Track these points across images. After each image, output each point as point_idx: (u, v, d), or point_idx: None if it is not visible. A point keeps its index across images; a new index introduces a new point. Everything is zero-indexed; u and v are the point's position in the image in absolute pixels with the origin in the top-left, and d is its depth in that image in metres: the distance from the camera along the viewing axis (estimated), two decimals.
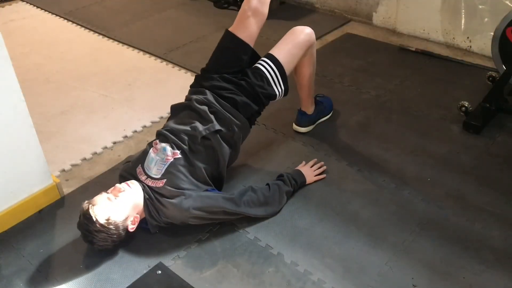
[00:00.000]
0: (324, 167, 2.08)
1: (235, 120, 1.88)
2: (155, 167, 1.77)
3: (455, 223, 1.84)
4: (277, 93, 1.98)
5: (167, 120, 1.97)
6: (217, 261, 1.71)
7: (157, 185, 1.73)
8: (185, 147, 1.78)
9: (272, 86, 1.96)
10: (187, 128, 1.82)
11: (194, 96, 1.91)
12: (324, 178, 2.04)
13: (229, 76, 1.93)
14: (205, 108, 1.86)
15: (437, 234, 1.79)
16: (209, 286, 1.63)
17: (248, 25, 1.96)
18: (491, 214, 1.87)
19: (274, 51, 2.00)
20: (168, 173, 1.74)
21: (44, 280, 1.67)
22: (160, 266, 1.70)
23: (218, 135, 1.83)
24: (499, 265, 1.67)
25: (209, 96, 1.89)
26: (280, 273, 1.66)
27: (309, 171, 2.03)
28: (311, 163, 2.08)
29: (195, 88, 1.97)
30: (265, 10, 1.99)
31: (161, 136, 1.85)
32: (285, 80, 1.99)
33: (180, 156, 1.77)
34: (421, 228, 1.82)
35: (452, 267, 1.67)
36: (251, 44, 1.98)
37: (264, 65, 1.96)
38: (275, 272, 1.67)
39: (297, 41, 2.02)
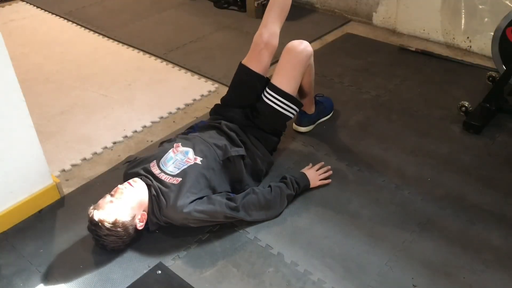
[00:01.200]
0: (330, 172, 2.05)
1: (259, 154, 1.98)
2: (172, 165, 1.79)
3: (455, 223, 1.84)
4: (291, 115, 2.05)
5: (189, 133, 2.04)
6: (217, 261, 1.71)
7: (170, 181, 1.74)
8: (209, 156, 1.82)
9: (285, 114, 2.02)
10: (218, 142, 1.88)
11: (223, 122, 2.00)
12: (329, 183, 2.01)
13: (248, 112, 2.03)
14: (234, 135, 1.95)
15: (437, 234, 1.79)
16: (209, 286, 1.63)
17: (261, 58, 2.04)
18: (491, 214, 1.87)
19: (277, 80, 2.01)
20: (185, 173, 1.75)
21: (44, 280, 1.67)
22: (160, 266, 1.70)
23: (242, 161, 1.89)
24: (499, 265, 1.67)
25: (237, 127, 1.99)
26: (280, 273, 1.66)
27: (314, 175, 2.01)
28: (317, 166, 2.06)
29: (218, 115, 2.08)
30: (276, 41, 2.06)
31: (184, 141, 1.89)
32: (295, 101, 2.02)
33: (200, 163, 1.79)
34: (421, 228, 1.82)
35: (452, 267, 1.67)
36: (265, 74, 2.06)
37: (272, 99, 2.00)
38: (275, 272, 1.67)
39: (296, 61, 2.01)
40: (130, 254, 1.75)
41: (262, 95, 2.03)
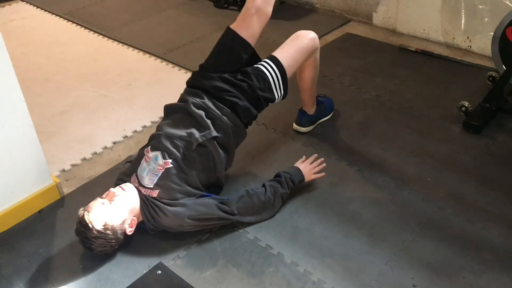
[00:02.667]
0: (324, 164, 2.01)
1: (233, 125, 1.85)
2: (147, 177, 1.74)
3: (455, 223, 1.84)
4: (277, 97, 1.96)
5: (161, 120, 1.93)
6: (217, 261, 1.71)
7: (151, 195, 1.72)
8: (178, 154, 1.75)
9: (272, 90, 1.94)
10: (183, 133, 1.78)
11: (191, 99, 1.85)
12: (322, 176, 1.99)
13: (229, 77, 1.89)
14: (202, 113, 1.82)
15: (437, 234, 1.79)
16: (209, 286, 1.63)
17: (250, 24, 1.92)
18: (491, 214, 1.87)
19: (278, 54, 1.98)
20: (160, 183, 1.72)
21: (44, 280, 1.67)
22: (160, 266, 1.70)
23: (215, 141, 1.80)
24: (499, 265, 1.67)
25: (207, 101, 1.85)
26: (280, 273, 1.66)
27: (308, 168, 1.97)
28: (311, 159, 2.02)
29: (192, 88, 1.92)
30: (269, 10, 1.95)
31: (153, 142, 1.82)
32: (286, 84, 1.97)
33: (171, 165, 1.74)
34: (421, 228, 1.82)
35: (452, 267, 1.67)
36: (252, 44, 1.95)
37: (267, 67, 1.94)
38: (275, 272, 1.67)
39: (300, 45, 2.00)
40: (130, 254, 1.75)
41: (259, 64, 1.94)
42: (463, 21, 2.97)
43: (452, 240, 1.76)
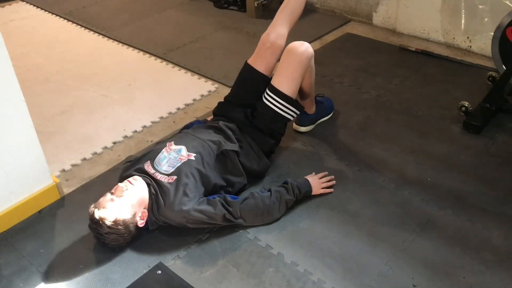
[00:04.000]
0: (333, 182, 2.01)
1: (254, 154, 1.98)
2: (166, 164, 1.79)
3: (455, 223, 1.84)
4: (290, 117, 2.04)
5: (185, 129, 2.07)
6: (217, 261, 1.72)
7: (166, 181, 1.74)
8: (203, 151, 1.83)
9: (284, 116, 2.02)
10: (211, 138, 1.90)
11: (221, 122, 2.01)
12: (331, 192, 1.98)
13: (248, 112, 2.04)
14: (231, 133, 1.96)
15: (437, 234, 1.79)
16: (209, 286, 1.63)
17: (266, 58, 2.07)
18: (491, 214, 1.87)
19: (277, 81, 2.00)
20: (178, 172, 1.75)
21: (44, 280, 1.67)
22: (160, 266, 1.70)
23: (236, 155, 1.90)
24: (499, 265, 1.67)
25: (234, 126, 2.00)
26: (280, 273, 1.66)
27: (317, 182, 1.97)
28: (320, 174, 2.02)
29: (218, 116, 2.10)
30: (282, 43, 2.07)
31: (177, 138, 1.90)
32: (294, 104, 2.02)
33: (194, 158, 1.79)
34: (421, 228, 1.82)
35: (452, 267, 1.67)
36: (269, 75, 2.07)
37: (271, 101, 1.99)
38: (275, 272, 1.67)
39: (297, 63, 2.00)
40: (130, 254, 1.75)
41: (262, 96, 2.03)
42: (463, 21, 2.97)
43: (452, 240, 1.76)
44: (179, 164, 1.78)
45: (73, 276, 1.68)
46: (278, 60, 2.08)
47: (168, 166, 1.78)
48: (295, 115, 2.05)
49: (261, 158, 2.02)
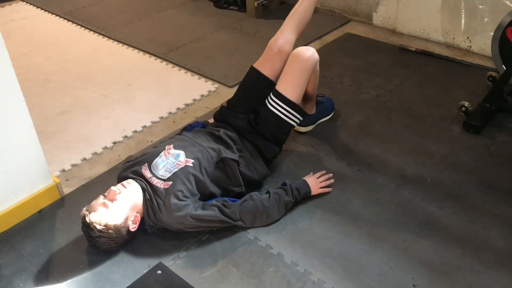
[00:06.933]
0: (332, 181, 2.01)
1: (254, 163, 1.94)
2: (163, 168, 1.77)
3: (455, 223, 1.84)
4: (295, 124, 2.03)
5: (184, 131, 2.05)
6: (217, 261, 1.72)
7: (161, 186, 1.72)
8: (201, 158, 1.81)
9: (288, 122, 2.00)
10: (211, 145, 1.88)
11: (222, 129, 1.98)
12: (329, 191, 1.98)
13: (251, 118, 2.00)
14: (232, 143, 1.93)
15: (437, 234, 1.79)
16: (209, 286, 1.63)
17: (273, 62, 2.06)
18: (491, 214, 1.87)
19: (282, 87, 1.98)
20: (176, 177, 1.74)
21: (44, 280, 1.67)
22: (160, 266, 1.70)
23: (236, 165, 1.86)
24: (499, 265, 1.67)
25: (235, 136, 1.97)
26: (280, 273, 1.66)
27: (315, 182, 1.97)
28: (318, 174, 2.02)
29: (221, 122, 2.06)
30: (289, 49, 2.06)
31: (177, 142, 1.87)
32: (298, 110, 2.00)
33: (191, 164, 1.78)
34: (421, 228, 1.82)
35: (452, 267, 1.67)
36: (275, 80, 2.05)
37: (275, 106, 1.97)
38: (275, 272, 1.67)
39: (302, 68, 1.98)
40: (130, 254, 1.75)
41: (266, 101, 2.00)
42: (463, 21, 2.97)
43: (452, 240, 1.76)
44: (176, 169, 1.76)
45: (73, 276, 1.68)
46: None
47: (165, 170, 1.76)
48: (298, 122, 2.03)
49: (262, 167, 1.99)
